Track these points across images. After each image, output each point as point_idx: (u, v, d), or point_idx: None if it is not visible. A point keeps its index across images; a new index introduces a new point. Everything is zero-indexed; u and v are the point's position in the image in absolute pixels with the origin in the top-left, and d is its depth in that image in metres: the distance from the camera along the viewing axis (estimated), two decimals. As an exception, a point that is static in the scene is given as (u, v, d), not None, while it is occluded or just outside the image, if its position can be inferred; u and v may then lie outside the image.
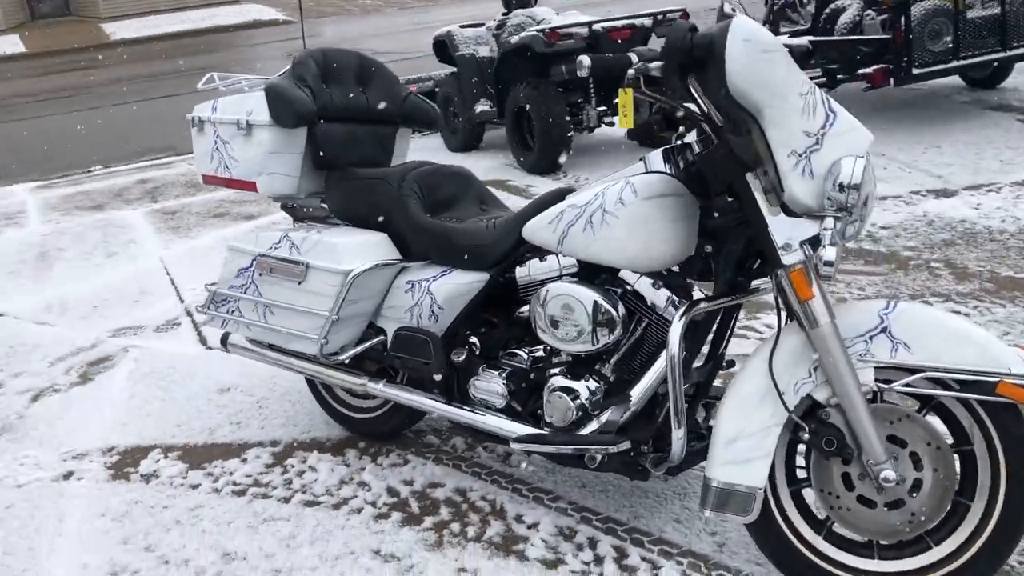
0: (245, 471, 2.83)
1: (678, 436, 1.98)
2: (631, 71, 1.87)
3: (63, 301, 4.74)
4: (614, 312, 2.13)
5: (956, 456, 1.90)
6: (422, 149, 7.84)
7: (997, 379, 1.78)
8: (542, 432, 2.24)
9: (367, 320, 2.60)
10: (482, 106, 6.85)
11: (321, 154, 2.71)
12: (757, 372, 1.95)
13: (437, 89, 7.63)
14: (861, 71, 5.99)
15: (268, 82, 2.70)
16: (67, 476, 2.93)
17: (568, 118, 6.12)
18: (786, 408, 1.91)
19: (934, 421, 1.91)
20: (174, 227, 6.06)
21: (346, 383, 2.66)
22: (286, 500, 2.65)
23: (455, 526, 2.43)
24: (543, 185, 6.05)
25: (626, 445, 2.10)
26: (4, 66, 22.44)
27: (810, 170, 1.81)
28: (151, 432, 3.17)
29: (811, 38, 6.61)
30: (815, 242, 1.87)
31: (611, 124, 6.39)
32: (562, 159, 6.16)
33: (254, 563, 2.36)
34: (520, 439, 2.24)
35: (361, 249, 2.49)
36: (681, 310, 1.99)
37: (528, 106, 6.00)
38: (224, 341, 2.94)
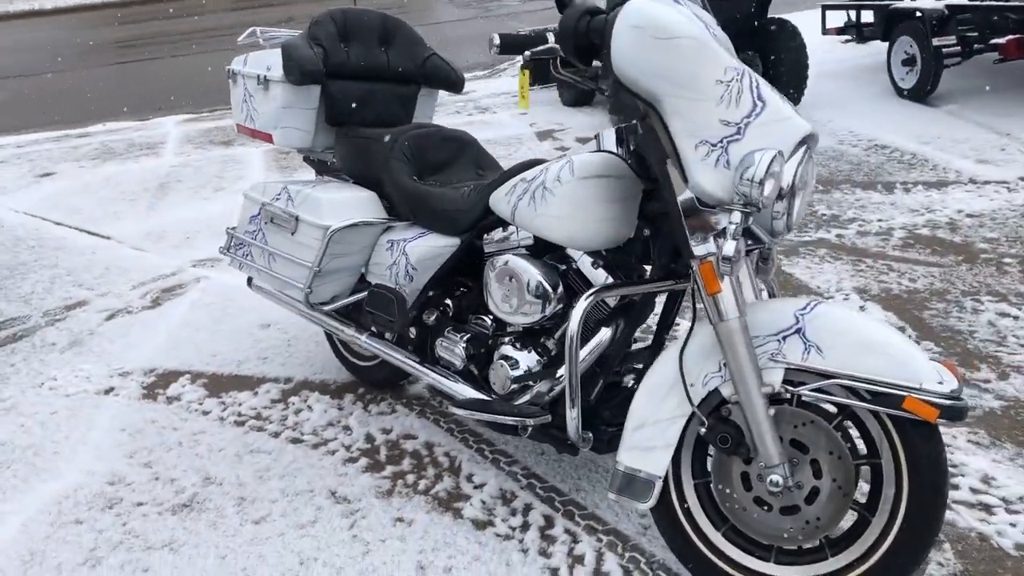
0: (252, 403, 3.04)
1: (571, 416, 1.99)
2: (526, 53, 1.85)
3: (163, 230, 5.16)
4: (550, 288, 2.15)
5: (867, 467, 1.82)
6: (538, 102, 7.87)
7: (905, 393, 1.69)
8: (479, 398, 2.30)
9: (357, 274, 2.72)
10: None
11: (333, 111, 2.83)
12: (670, 362, 1.93)
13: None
14: (993, 41, 5.50)
15: (284, 40, 2.82)
16: (108, 391, 3.24)
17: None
18: (690, 401, 1.88)
19: (851, 430, 1.84)
20: (283, 166, 6.41)
21: (333, 330, 2.80)
22: (276, 435, 2.84)
23: (411, 477, 2.54)
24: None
25: (545, 419, 2.13)
26: (195, 1, 23.95)
27: (726, 160, 1.74)
28: (189, 358, 3.44)
29: (949, 2, 6.16)
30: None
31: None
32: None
33: (226, 489, 2.57)
34: (457, 403, 2.30)
35: (346, 206, 2.60)
36: (587, 293, 1.98)
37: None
38: (249, 282, 3.14)
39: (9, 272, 4.69)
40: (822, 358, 1.76)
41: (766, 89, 1.79)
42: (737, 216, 1.75)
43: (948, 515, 2.18)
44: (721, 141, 1.75)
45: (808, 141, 1.84)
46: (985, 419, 2.55)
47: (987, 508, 2.20)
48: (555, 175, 2.08)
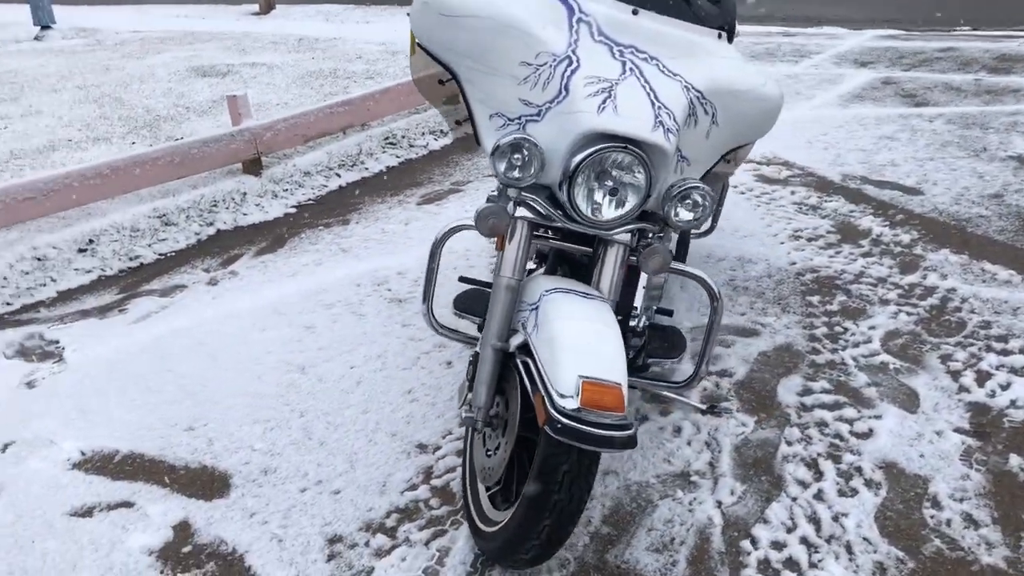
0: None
1: (423, 309, 2.41)
2: (407, 12, 2.22)
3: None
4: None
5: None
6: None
7: (539, 390, 1.79)
8: None
9: None
10: None
11: None
12: None
13: None
14: None
15: None
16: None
17: None
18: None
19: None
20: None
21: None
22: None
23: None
24: None
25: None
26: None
27: None
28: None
29: None
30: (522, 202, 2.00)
31: None
32: None
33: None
34: None
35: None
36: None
37: None
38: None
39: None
40: (536, 336, 1.90)
41: (577, 81, 1.90)
42: (500, 186, 2.01)
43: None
44: (519, 118, 1.96)
45: (646, 147, 1.87)
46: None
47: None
48: None
